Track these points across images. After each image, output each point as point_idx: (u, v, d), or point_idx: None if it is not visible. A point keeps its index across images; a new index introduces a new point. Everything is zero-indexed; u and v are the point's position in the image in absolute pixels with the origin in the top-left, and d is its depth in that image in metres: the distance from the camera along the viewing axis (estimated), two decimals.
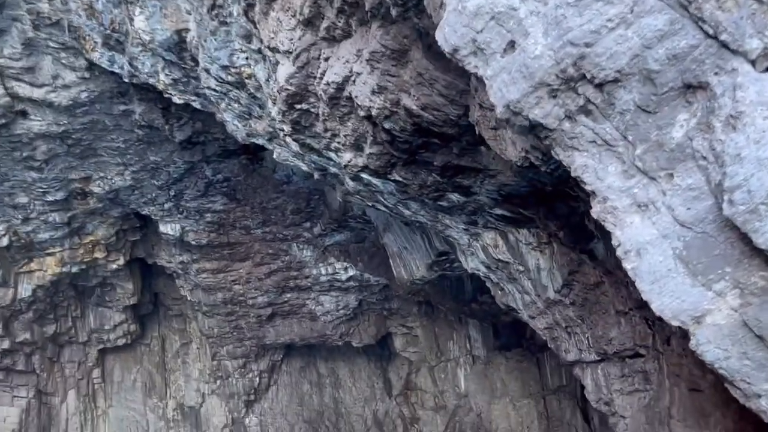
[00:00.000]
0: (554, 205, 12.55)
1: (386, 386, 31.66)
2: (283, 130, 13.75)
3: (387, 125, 10.77)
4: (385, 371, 32.00)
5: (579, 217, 12.36)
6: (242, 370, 29.78)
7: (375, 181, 13.67)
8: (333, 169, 14.55)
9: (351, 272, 26.91)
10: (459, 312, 27.56)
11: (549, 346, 15.20)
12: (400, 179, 13.17)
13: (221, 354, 29.10)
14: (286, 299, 28.05)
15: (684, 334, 8.81)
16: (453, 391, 29.81)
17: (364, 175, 13.52)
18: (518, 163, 9.43)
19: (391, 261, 21.69)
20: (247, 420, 29.51)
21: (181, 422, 28.90)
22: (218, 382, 29.37)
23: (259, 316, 28.48)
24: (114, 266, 24.76)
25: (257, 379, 30.03)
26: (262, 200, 24.53)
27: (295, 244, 26.30)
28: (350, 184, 14.48)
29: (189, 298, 27.54)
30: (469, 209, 13.78)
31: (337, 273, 26.99)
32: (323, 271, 26.98)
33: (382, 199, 14.58)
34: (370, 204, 15.28)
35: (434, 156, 12.18)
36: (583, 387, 28.71)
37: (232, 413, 29.22)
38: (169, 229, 24.52)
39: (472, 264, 15.72)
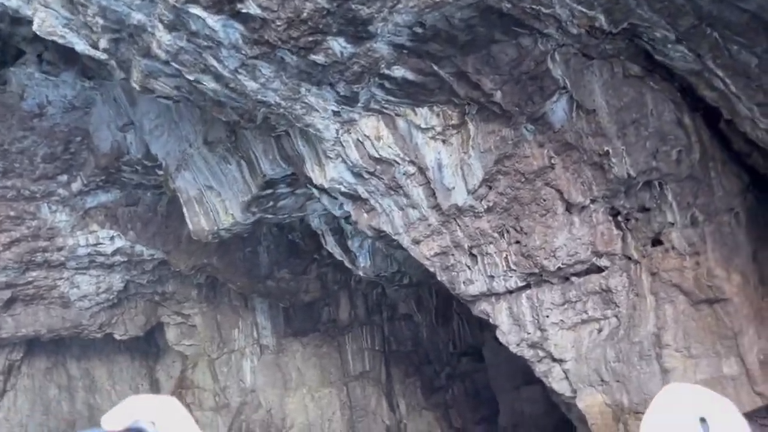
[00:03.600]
0: (496, 46, 8.25)
1: (154, 387, 25.63)
2: None
3: None
4: (152, 370, 25.97)
5: (535, 62, 8.14)
6: None
7: (212, 21, 8.57)
8: (137, 17, 9.20)
9: (119, 243, 20.87)
10: (251, 290, 22.49)
11: (439, 278, 10.83)
12: (258, 11, 8.24)
13: None
14: (30, 279, 21.28)
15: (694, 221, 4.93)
16: (238, 386, 24.51)
17: (195, 11, 8.42)
18: None
19: (185, 211, 16.19)
20: None
21: None
22: None
23: None
24: None
25: None
26: (3, 141, 17.90)
27: (45, 204, 19.77)
28: (165, 41, 9.24)
29: None
30: (352, 71, 9.08)
31: (100, 243, 20.78)
32: (82, 242, 20.65)
33: (216, 64, 9.44)
34: (191, 80, 10.00)
35: None
36: (388, 372, 24.79)
37: None
38: None
39: (333, 173, 10.95)
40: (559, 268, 9.10)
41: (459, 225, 10.18)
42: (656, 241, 8.30)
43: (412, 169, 10.16)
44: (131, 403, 1.05)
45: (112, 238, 20.69)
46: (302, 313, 24.22)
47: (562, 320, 9.33)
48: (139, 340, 24.56)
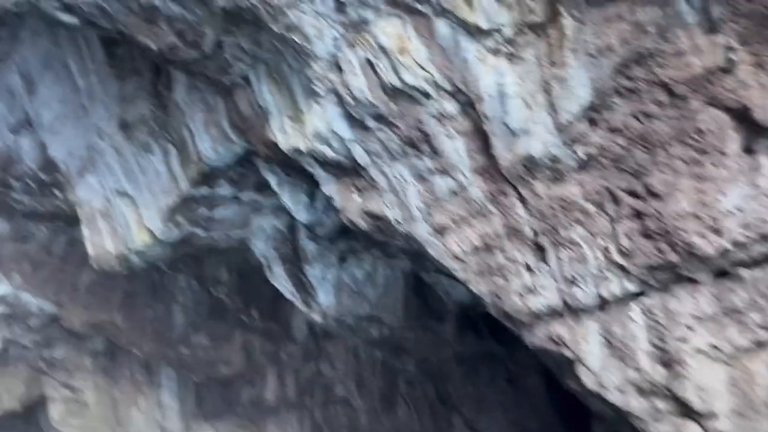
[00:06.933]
0: None
1: None
2: None
3: None
4: None
5: None
6: None
7: None
8: None
9: (1, 288, 15.63)
10: (160, 358, 17.23)
11: (474, 289, 6.40)
12: None
13: None
14: None
15: None
16: None
17: None
18: None
19: (85, 231, 11.30)
20: None
21: None
22: None
23: None
24: None
25: None
26: None
27: None
28: None
29: None
30: None
31: None
32: None
33: None
34: None
35: None
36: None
37: None
38: None
39: (317, 124, 6.52)
40: (725, 252, 4.85)
41: (522, 197, 5.88)
42: None
43: (451, 106, 5.89)
44: None
45: None
46: (218, 391, 18.94)
47: (714, 345, 5.00)
48: (16, 418, 18.75)
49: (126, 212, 10.36)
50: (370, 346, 16.50)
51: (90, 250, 11.16)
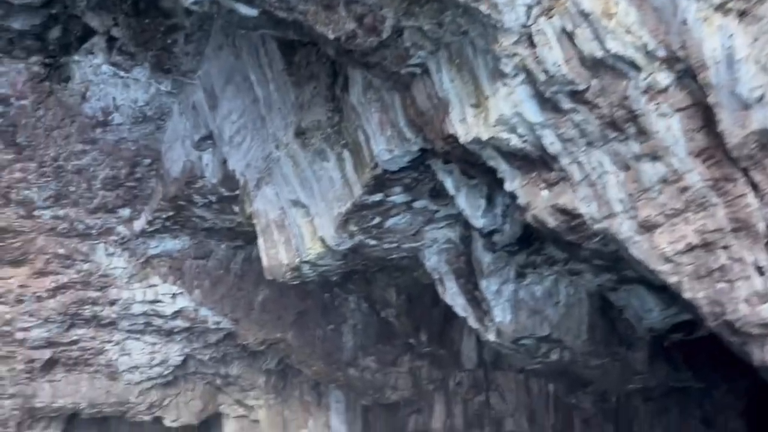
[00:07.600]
0: None
1: None
2: None
3: None
4: None
5: None
6: None
7: None
8: None
9: (181, 302, 15.97)
10: (329, 378, 17.02)
11: (687, 295, 5.36)
12: None
13: None
14: (75, 338, 16.50)
15: None
16: None
17: None
18: None
19: (260, 242, 11.19)
20: None
21: None
22: None
23: (32, 360, 16.62)
24: None
25: None
26: (59, 154, 13.49)
27: (102, 245, 15.19)
28: None
29: None
30: None
31: (159, 301, 15.92)
32: (139, 296, 15.86)
33: None
34: None
35: None
36: None
37: None
38: None
39: (503, 107, 5.80)
40: None
41: (754, 183, 4.81)
42: None
43: (665, 77, 4.96)
44: None
45: (174, 296, 15.78)
46: (385, 417, 18.44)
47: None
48: (194, 429, 19.22)
49: (300, 222, 10.10)
50: (544, 379, 15.32)
51: (264, 261, 11.02)
